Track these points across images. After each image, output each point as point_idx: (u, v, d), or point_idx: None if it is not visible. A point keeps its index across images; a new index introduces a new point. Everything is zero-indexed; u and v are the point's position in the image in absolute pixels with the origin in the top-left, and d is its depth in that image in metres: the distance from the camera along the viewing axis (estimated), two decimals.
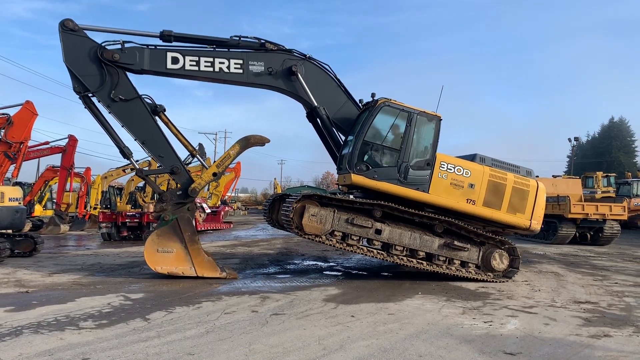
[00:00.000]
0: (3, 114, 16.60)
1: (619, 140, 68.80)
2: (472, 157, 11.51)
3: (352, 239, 10.26)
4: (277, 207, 12.71)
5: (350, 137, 11.22)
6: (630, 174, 36.20)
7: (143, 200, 22.27)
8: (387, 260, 10.36)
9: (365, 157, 10.70)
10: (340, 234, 10.22)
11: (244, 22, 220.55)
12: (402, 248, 10.43)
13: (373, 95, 11.27)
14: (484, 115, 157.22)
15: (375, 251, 10.41)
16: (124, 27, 12.39)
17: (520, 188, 11.15)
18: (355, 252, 10.30)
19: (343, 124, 11.71)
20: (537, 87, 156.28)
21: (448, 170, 10.77)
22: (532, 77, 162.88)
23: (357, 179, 10.46)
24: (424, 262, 10.55)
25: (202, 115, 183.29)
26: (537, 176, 23.58)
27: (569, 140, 55.89)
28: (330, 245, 10.17)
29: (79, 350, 5.63)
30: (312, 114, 11.74)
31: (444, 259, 10.67)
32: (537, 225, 11.29)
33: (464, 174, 10.83)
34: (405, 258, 10.45)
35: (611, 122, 72.17)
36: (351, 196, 10.73)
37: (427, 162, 10.71)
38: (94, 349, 5.71)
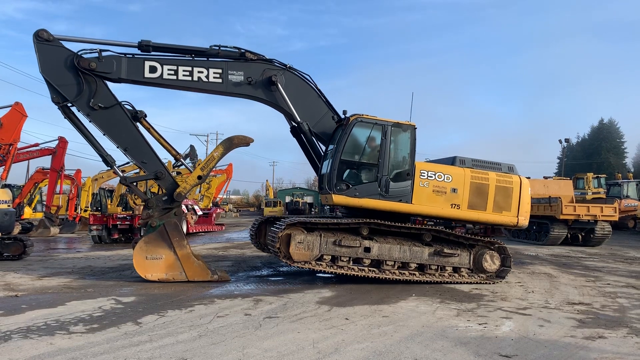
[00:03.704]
0: None
1: (609, 142, 69.38)
2: (451, 160, 11.47)
3: (342, 260, 10.19)
4: (264, 231, 12.56)
5: (328, 154, 11.15)
6: (620, 175, 36.48)
7: (134, 203, 22.07)
8: (379, 277, 10.22)
9: (345, 176, 10.62)
10: (329, 257, 10.15)
11: (236, 23, 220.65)
12: (392, 263, 10.38)
13: (345, 112, 11.24)
14: (474, 117, 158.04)
15: (366, 269, 10.27)
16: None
17: (504, 186, 11.11)
18: (346, 273, 10.13)
19: (324, 135, 11.63)
20: (528, 88, 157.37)
21: (429, 177, 10.69)
22: (523, 78, 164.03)
23: (338, 199, 10.41)
24: (416, 273, 10.51)
25: (192, 116, 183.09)
26: (529, 177, 23.84)
27: (560, 141, 56.39)
28: (320, 270, 10.08)
29: (70, 355, 5.53)
30: (296, 129, 11.66)
31: (436, 267, 10.64)
32: (524, 220, 11.27)
33: (445, 180, 10.77)
34: (397, 271, 10.39)
35: (601, 123, 72.81)
36: (338, 212, 10.64)
37: (406, 173, 10.62)
38: (84, 353, 5.61)
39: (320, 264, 10.08)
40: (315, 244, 10.05)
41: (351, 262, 10.30)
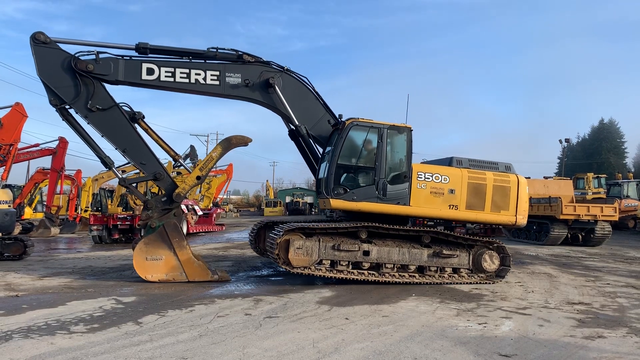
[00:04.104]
0: None
1: (609, 142, 69.37)
2: (448, 161, 11.47)
3: (341, 265, 10.18)
4: (263, 236, 12.47)
5: (325, 157, 11.15)
6: (620, 175, 36.48)
7: (134, 203, 22.11)
8: (379, 280, 10.19)
9: (342, 180, 10.62)
10: (329, 261, 10.14)
11: (237, 23, 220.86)
12: (392, 265, 10.39)
13: (340, 116, 11.24)
14: (475, 117, 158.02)
15: (366, 272, 10.28)
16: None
17: (501, 185, 11.12)
18: (346, 278, 10.10)
19: (321, 137, 11.63)
20: (528, 88, 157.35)
21: (426, 179, 10.71)
22: (523, 78, 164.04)
23: (336, 203, 10.42)
24: (416, 275, 10.53)
25: (193, 117, 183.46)
26: (529, 177, 23.73)
27: (560, 141, 56.43)
28: (320, 275, 10.01)
29: (70, 355, 5.55)
30: (294, 133, 11.65)
31: (435, 269, 10.65)
32: (522, 219, 11.29)
33: (442, 181, 10.78)
34: (397, 274, 10.41)
35: (601, 123, 72.81)
36: (334, 214, 10.56)
37: (404, 175, 10.63)
38: (85, 353, 5.63)
39: (320, 269, 10.07)
40: (314, 249, 10.02)
41: (350, 265, 10.28)
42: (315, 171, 11.82)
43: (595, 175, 35.28)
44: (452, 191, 10.77)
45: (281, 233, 9.97)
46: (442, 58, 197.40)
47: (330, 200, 10.36)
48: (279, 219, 14.23)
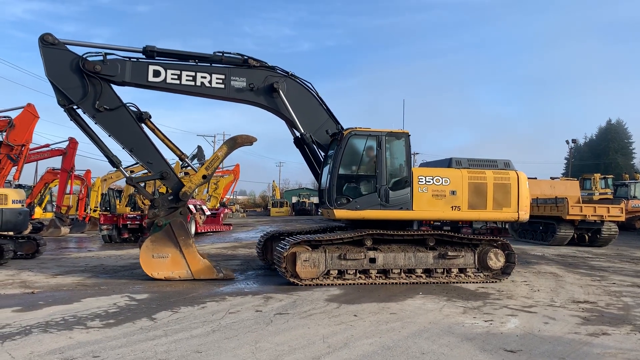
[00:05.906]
0: (5, 117, 16.70)
1: (617, 142, 69.03)
2: (448, 162, 11.58)
3: (348, 274, 10.31)
4: (270, 248, 12.50)
5: (328, 160, 11.29)
6: (627, 175, 36.38)
7: (142, 203, 22.33)
8: (386, 283, 10.35)
9: (344, 190, 10.73)
10: (336, 271, 10.28)
11: (244, 24, 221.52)
12: (399, 270, 10.54)
13: (339, 127, 11.40)
14: (481, 117, 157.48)
15: (373, 276, 10.43)
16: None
17: (502, 183, 11.20)
18: (354, 283, 10.23)
19: (324, 142, 11.73)
20: (535, 89, 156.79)
21: (427, 183, 10.80)
22: (530, 79, 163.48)
23: (340, 213, 10.54)
24: (423, 276, 10.70)
25: (199, 117, 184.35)
26: (535, 178, 23.75)
27: (567, 142, 56.40)
28: (327, 285, 10.13)
29: (89, 349, 5.75)
30: (299, 140, 11.79)
31: (442, 270, 10.78)
32: (525, 215, 11.37)
33: (443, 183, 10.89)
34: (404, 275, 10.57)
35: (608, 124, 72.46)
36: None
37: (405, 180, 10.75)
38: (103, 347, 5.82)
39: (327, 279, 10.21)
40: (320, 261, 10.16)
41: (357, 273, 10.42)
42: (319, 177, 11.96)
43: (602, 176, 35.21)
44: (453, 192, 10.88)
45: (287, 247, 10.09)
46: (449, 58, 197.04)
47: (334, 210, 10.48)
48: (283, 224, 14.27)
